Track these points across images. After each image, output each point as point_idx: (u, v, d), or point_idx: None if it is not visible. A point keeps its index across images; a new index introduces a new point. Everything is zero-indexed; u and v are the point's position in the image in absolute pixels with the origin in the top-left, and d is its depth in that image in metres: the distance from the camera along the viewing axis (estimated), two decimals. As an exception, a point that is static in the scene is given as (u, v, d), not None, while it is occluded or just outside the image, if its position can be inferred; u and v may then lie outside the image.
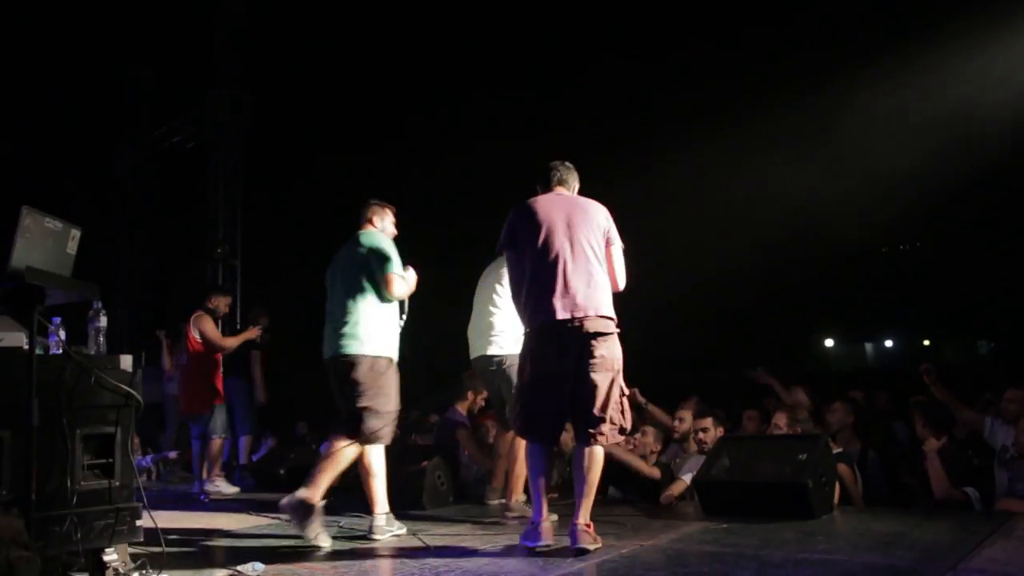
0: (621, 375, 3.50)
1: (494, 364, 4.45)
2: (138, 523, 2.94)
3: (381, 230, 4.16)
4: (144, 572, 3.02)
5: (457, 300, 5.02)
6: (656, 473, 4.97)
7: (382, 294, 3.94)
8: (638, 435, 5.13)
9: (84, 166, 13.05)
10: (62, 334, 2.96)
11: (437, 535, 3.95)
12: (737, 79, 12.61)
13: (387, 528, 3.90)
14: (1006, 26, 8.93)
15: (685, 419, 5.42)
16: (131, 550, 3.07)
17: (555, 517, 4.24)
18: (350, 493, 5.83)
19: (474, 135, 12.76)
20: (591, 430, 3.41)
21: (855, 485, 4.67)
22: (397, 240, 4.18)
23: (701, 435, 5.08)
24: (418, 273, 4.09)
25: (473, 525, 4.27)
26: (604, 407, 3.41)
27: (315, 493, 3.75)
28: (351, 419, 3.85)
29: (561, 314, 3.40)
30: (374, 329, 3.90)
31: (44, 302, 2.88)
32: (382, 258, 3.93)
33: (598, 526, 3.48)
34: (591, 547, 3.29)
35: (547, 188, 3.80)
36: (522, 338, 3.64)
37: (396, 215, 4.28)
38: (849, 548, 3.28)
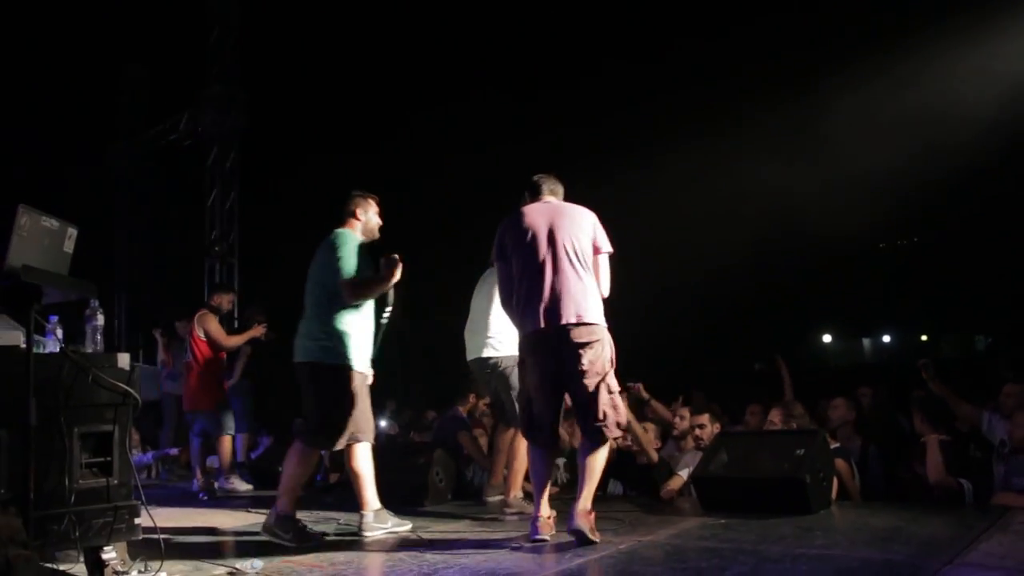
0: (612, 374, 3.57)
1: (489, 366, 4.49)
2: (137, 521, 2.94)
3: (365, 223, 4.09)
4: (143, 570, 3.02)
5: (458, 298, 5.02)
6: (654, 455, 5.00)
7: (342, 300, 3.86)
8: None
9: (80, 164, 13.00)
10: (59, 333, 2.96)
11: (435, 531, 3.96)
12: (735, 76, 12.61)
13: (376, 525, 3.90)
14: (1004, 22, 8.94)
15: (686, 416, 5.45)
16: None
17: (553, 513, 4.26)
18: (348, 490, 5.86)
19: (472, 132, 12.76)
20: (589, 428, 3.53)
21: (852, 480, 4.68)
22: (384, 231, 4.17)
23: (698, 431, 5.10)
24: (408, 265, 3.98)
25: (471, 522, 4.28)
26: (596, 409, 3.50)
27: (288, 504, 3.79)
28: (305, 423, 3.86)
29: (544, 323, 3.49)
30: (331, 336, 3.83)
31: (41, 301, 2.87)
32: (340, 264, 3.82)
33: (596, 522, 3.49)
34: (585, 529, 3.34)
35: (535, 198, 3.86)
36: (517, 342, 3.73)
37: (380, 204, 4.18)
38: (847, 543, 3.28)
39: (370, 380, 4.07)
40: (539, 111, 13.00)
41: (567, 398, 3.68)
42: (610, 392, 3.55)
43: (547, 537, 3.45)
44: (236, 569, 3.19)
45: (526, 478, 4.29)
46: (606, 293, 3.72)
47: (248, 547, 3.79)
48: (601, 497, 5.10)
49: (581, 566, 3.06)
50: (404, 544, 3.66)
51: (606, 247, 3.71)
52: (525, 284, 3.58)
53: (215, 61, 11.56)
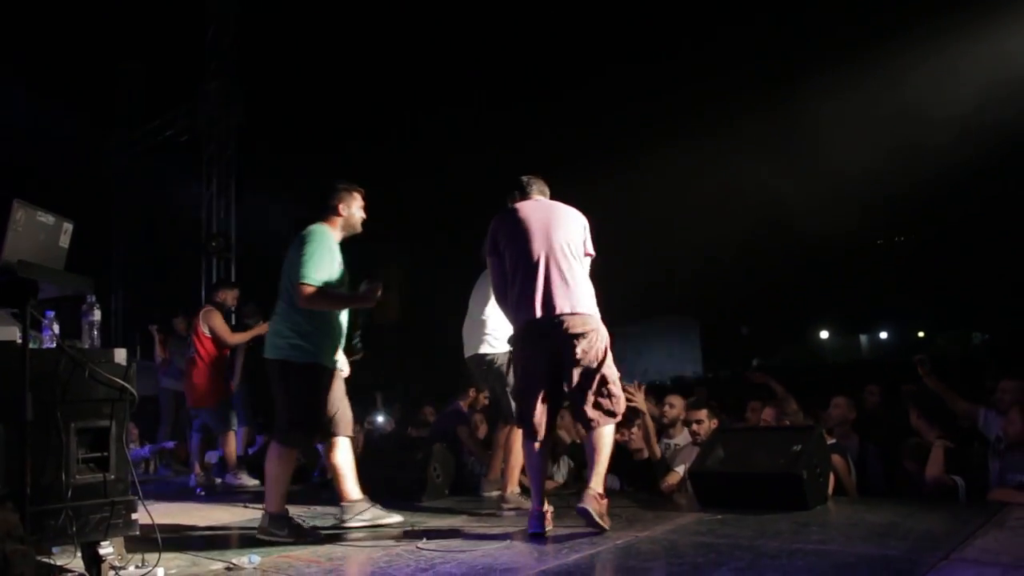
0: (609, 364, 3.62)
1: (485, 363, 4.50)
2: (134, 516, 2.94)
3: (347, 217, 4.00)
4: (140, 565, 3.02)
5: (456, 297, 5.02)
6: (657, 451, 5.00)
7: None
8: (634, 428, 5.14)
9: (77, 160, 12.99)
10: (56, 328, 2.95)
11: (433, 526, 3.96)
12: (732, 74, 12.61)
13: (356, 517, 3.89)
14: (1003, 21, 8.94)
15: (676, 404, 5.45)
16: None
17: (551, 508, 4.27)
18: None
19: (472, 129, 12.76)
20: (586, 418, 3.58)
21: (849, 476, 4.69)
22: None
23: (695, 427, 5.10)
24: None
25: (469, 517, 4.29)
26: (591, 397, 3.56)
27: (277, 503, 3.79)
28: (280, 422, 3.85)
29: (541, 312, 3.55)
30: (300, 333, 3.78)
31: (37, 296, 2.87)
32: (302, 263, 3.73)
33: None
34: (592, 510, 3.42)
35: (524, 197, 3.90)
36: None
37: (365, 197, 4.08)
38: (843, 538, 3.29)
39: (346, 373, 4.06)
40: (538, 109, 13.02)
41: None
42: (607, 382, 3.60)
43: (545, 531, 3.48)
44: (233, 564, 3.19)
45: (523, 473, 4.29)
46: None
47: (246, 542, 3.79)
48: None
49: (578, 561, 3.06)
50: (401, 539, 3.66)
51: (591, 250, 3.80)
52: (520, 277, 3.63)
53: (212, 57, 11.54)
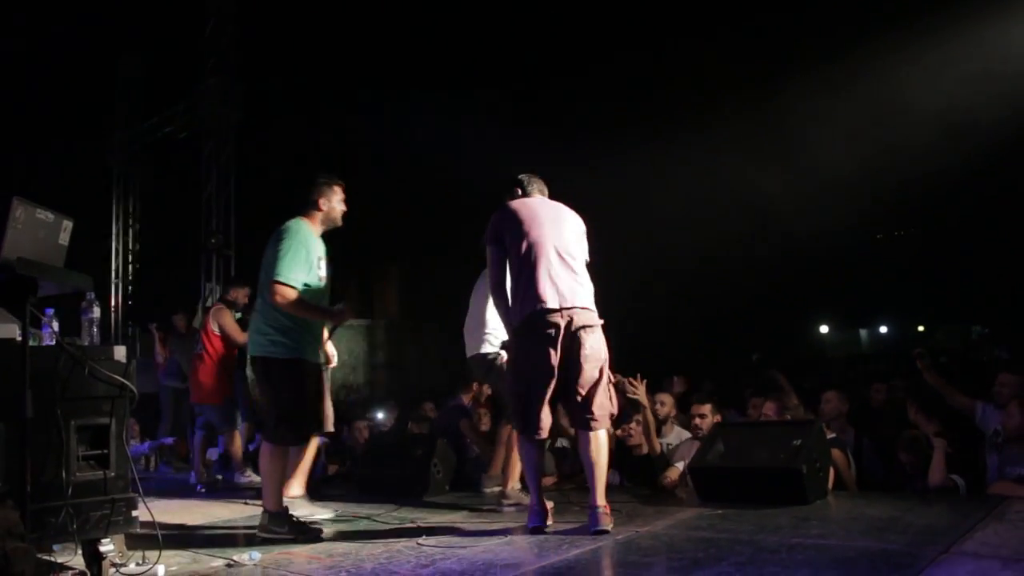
0: (607, 364, 3.64)
1: (487, 362, 4.49)
2: (134, 513, 2.94)
3: (327, 211, 3.98)
4: (140, 562, 3.03)
5: (455, 296, 5.02)
6: (657, 446, 5.01)
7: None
8: (632, 424, 5.14)
9: (76, 157, 12.97)
10: (55, 325, 2.95)
11: (434, 523, 3.96)
12: (734, 68, 12.59)
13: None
14: (1005, 14, 8.92)
15: (666, 403, 5.47)
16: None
17: (550, 504, 4.27)
18: (346, 482, 5.87)
19: (470, 127, 12.73)
20: (586, 416, 3.56)
21: (848, 470, 4.69)
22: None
23: (698, 420, 5.10)
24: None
25: (469, 512, 4.29)
26: (595, 394, 3.56)
27: (275, 501, 3.80)
28: (268, 421, 3.86)
29: (552, 303, 3.53)
30: (280, 330, 3.77)
31: (37, 293, 2.87)
32: (278, 260, 3.71)
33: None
34: (610, 527, 3.43)
35: (525, 195, 3.92)
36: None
37: (345, 191, 4.06)
38: (843, 533, 3.29)
39: (334, 363, 4.09)
40: (538, 107, 12.98)
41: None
42: (609, 380, 3.63)
43: (546, 525, 3.51)
44: (234, 561, 3.20)
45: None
46: None
47: (246, 539, 3.80)
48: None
49: (578, 556, 3.06)
50: (402, 535, 3.67)
51: (587, 256, 3.83)
52: (530, 268, 3.60)
53: (212, 53, 11.51)
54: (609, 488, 4.91)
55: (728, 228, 13.80)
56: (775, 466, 4.03)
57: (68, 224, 3.13)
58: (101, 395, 2.91)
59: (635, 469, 5.16)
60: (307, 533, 3.74)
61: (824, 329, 26.70)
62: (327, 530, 3.88)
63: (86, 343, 3.06)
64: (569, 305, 3.54)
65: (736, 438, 4.44)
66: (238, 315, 6.35)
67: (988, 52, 9.08)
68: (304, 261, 3.79)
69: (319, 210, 3.97)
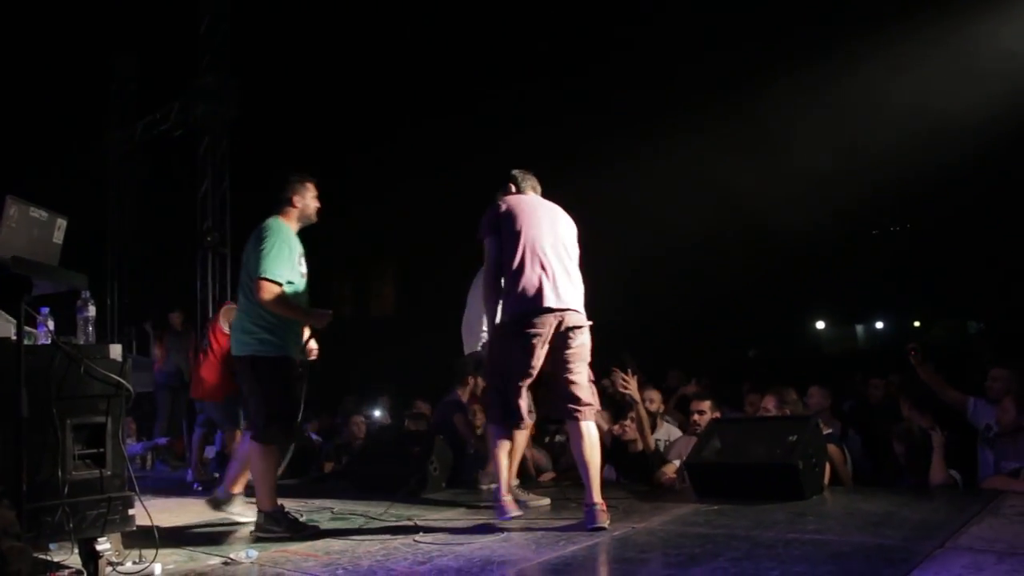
0: (588, 362, 3.75)
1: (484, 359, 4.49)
2: (131, 512, 2.93)
3: (302, 208, 4.01)
4: (137, 561, 3.03)
5: (452, 294, 5.02)
6: (651, 443, 5.03)
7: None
8: (627, 420, 5.15)
9: (70, 155, 12.92)
10: (51, 324, 2.94)
11: (430, 519, 3.97)
12: (728, 61, 12.58)
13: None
14: (1000, 7, 8.93)
15: (654, 400, 5.49)
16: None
17: (547, 501, 4.28)
18: (343, 480, 5.87)
19: (469, 126, 12.72)
20: (569, 406, 3.63)
21: (844, 466, 4.71)
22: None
23: (697, 416, 5.11)
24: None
25: (466, 509, 4.30)
26: (579, 388, 3.64)
27: (268, 500, 3.81)
28: (256, 421, 3.85)
29: (547, 303, 3.58)
30: (266, 328, 3.79)
31: (31, 292, 2.86)
32: (262, 258, 3.74)
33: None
34: (606, 524, 3.44)
35: (520, 192, 3.96)
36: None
37: (318, 187, 4.10)
38: (839, 528, 3.31)
39: (314, 356, 4.11)
40: (536, 105, 12.95)
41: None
42: (591, 377, 3.74)
43: (515, 514, 3.59)
44: (231, 559, 3.20)
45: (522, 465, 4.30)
46: None
47: (243, 537, 3.80)
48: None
49: (575, 552, 3.07)
50: (399, 532, 3.67)
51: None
52: (524, 266, 3.63)
53: (207, 50, 11.48)
54: (605, 484, 4.92)
55: (723, 225, 13.80)
56: (771, 462, 4.04)
57: (62, 222, 3.12)
58: (97, 394, 2.90)
59: (631, 465, 5.18)
60: (303, 530, 3.74)
61: (820, 325, 26.73)
62: (324, 526, 3.88)
63: (82, 342, 3.05)
64: (564, 307, 3.60)
65: (732, 434, 4.45)
66: None
67: (982, 48, 9.09)
68: (288, 259, 3.82)
69: (294, 207, 4.01)
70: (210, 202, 11.55)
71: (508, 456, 3.73)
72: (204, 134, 11.65)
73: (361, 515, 4.22)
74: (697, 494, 4.20)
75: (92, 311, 3.16)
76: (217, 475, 6.36)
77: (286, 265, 3.79)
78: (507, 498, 3.65)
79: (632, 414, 5.06)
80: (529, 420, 3.74)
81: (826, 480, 4.27)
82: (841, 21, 11.46)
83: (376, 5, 12.67)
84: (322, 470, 6.66)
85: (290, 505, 3.97)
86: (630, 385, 4.87)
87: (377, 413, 8.43)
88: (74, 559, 2.94)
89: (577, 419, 3.61)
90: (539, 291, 3.58)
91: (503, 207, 3.78)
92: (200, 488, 5.95)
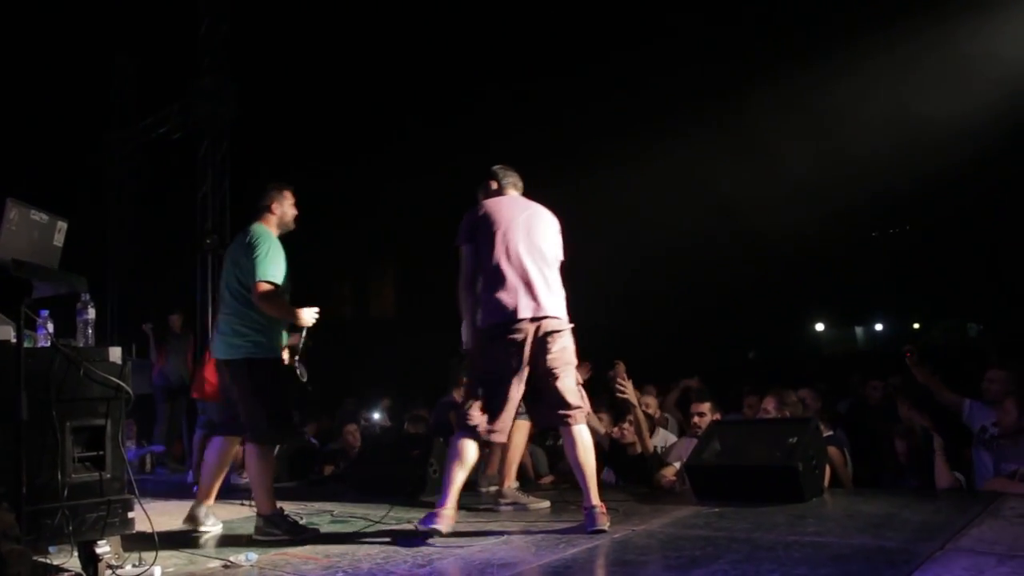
0: (574, 366, 3.69)
1: None
2: (130, 515, 2.93)
3: (280, 216, 4.07)
4: (137, 564, 3.02)
5: (453, 297, 5.01)
6: (649, 446, 5.02)
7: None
8: (625, 424, 5.15)
9: (70, 158, 12.92)
10: (50, 327, 2.94)
11: (430, 523, 3.95)
12: (726, 61, 12.59)
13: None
14: (1001, 10, 8.94)
15: (650, 404, 5.49)
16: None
17: (547, 503, 4.28)
18: (342, 482, 5.87)
19: (469, 124, 12.72)
20: (560, 412, 3.59)
21: (845, 468, 4.71)
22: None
23: (697, 419, 5.11)
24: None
25: (466, 512, 4.28)
26: (567, 393, 3.59)
27: (268, 504, 3.82)
28: (253, 423, 3.84)
29: (523, 313, 3.53)
30: (259, 330, 3.83)
31: (31, 294, 2.86)
32: (258, 263, 3.79)
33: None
34: (607, 527, 3.42)
35: (500, 191, 3.90)
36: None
37: (295, 195, 4.16)
38: (839, 530, 3.30)
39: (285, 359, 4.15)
40: (536, 104, 12.94)
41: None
42: (577, 381, 3.67)
43: (443, 529, 3.42)
44: (230, 562, 3.20)
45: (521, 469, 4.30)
46: None
47: (242, 540, 3.79)
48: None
49: (575, 555, 3.07)
50: (400, 535, 3.66)
51: (561, 256, 3.85)
52: (501, 274, 3.59)
53: (206, 52, 11.48)
54: (605, 487, 4.92)
55: (723, 227, 13.80)
56: (771, 464, 4.04)
57: (62, 225, 3.12)
58: (97, 396, 2.90)
59: (629, 468, 5.18)
60: (303, 533, 3.74)
61: (820, 327, 26.73)
62: (323, 529, 3.88)
63: (81, 344, 3.05)
64: (541, 315, 3.55)
65: (732, 436, 4.45)
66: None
67: (982, 50, 9.09)
68: (281, 262, 3.88)
69: (272, 214, 4.08)
70: (210, 204, 11.53)
71: (467, 470, 3.59)
72: (204, 136, 11.64)
73: (361, 518, 4.22)
74: (697, 496, 4.19)
75: (92, 314, 3.16)
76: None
77: (280, 268, 3.86)
78: (446, 512, 3.47)
79: (630, 417, 5.06)
80: (499, 437, 3.62)
81: (826, 482, 4.27)
82: (841, 24, 11.47)
83: (375, 7, 12.68)
84: (321, 473, 6.65)
85: (289, 508, 3.97)
86: (627, 388, 4.87)
87: (376, 415, 8.43)
88: (73, 562, 2.94)
89: (569, 424, 3.56)
90: (515, 299, 3.54)
91: (479, 212, 3.74)
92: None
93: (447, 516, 3.47)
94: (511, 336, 3.53)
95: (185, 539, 3.83)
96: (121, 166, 13.67)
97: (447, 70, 13.32)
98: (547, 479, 5.58)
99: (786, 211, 12.74)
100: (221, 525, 4.13)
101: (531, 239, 3.67)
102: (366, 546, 3.46)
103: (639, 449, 5.08)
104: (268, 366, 3.84)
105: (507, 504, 4.31)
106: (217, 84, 11.43)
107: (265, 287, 3.77)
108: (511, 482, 4.47)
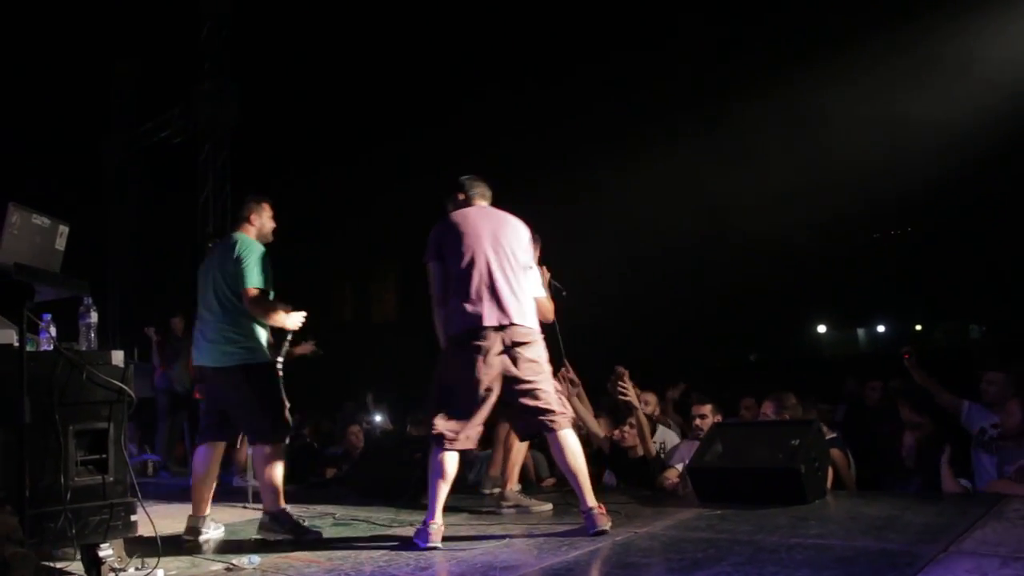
0: (550, 373, 3.67)
1: None
2: (133, 518, 2.94)
3: (259, 227, 4.14)
4: (140, 567, 3.02)
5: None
6: (652, 448, 5.02)
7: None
8: (626, 426, 5.15)
9: (72, 162, 12.95)
10: (53, 330, 2.95)
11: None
12: (729, 63, 12.60)
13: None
14: (1002, 11, 8.94)
15: (650, 403, 5.48)
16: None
17: (549, 506, 4.28)
18: (344, 485, 5.87)
19: (469, 124, 12.72)
20: (542, 419, 3.54)
21: (848, 470, 4.70)
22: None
23: (699, 421, 5.10)
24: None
25: (469, 515, 4.29)
26: (544, 398, 3.55)
27: (276, 502, 3.85)
28: (258, 426, 3.89)
29: (488, 321, 3.51)
30: (250, 336, 3.91)
31: (34, 298, 2.87)
32: (246, 271, 3.87)
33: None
34: (607, 527, 3.41)
35: (468, 202, 3.88)
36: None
37: (273, 208, 4.25)
38: (842, 532, 3.30)
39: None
40: (537, 104, 12.95)
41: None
42: (556, 389, 3.65)
43: (438, 544, 3.38)
44: (233, 565, 3.19)
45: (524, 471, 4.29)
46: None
47: (245, 543, 3.80)
48: (597, 489, 5.11)
49: (578, 558, 3.06)
50: (402, 538, 3.66)
51: (532, 263, 3.88)
52: (468, 283, 3.57)
53: (207, 57, 11.50)
54: (606, 490, 4.92)
55: (724, 228, 13.80)
56: (774, 466, 4.03)
57: (64, 229, 3.13)
58: (99, 400, 2.91)
59: (631, 471, 5.16)
60: (307, 534, 3.77)
61: (822, 329, 26.70)
62: (326, 532, 3.88)
63: (84, 348, 3.06)
64: (508, 323, 3.52)
65: (735, 438, 4.44)
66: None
67: (984, 52, 9.10)
68: (266, 268, 3.94)
69: (252, 225, 4.15)
70: (211, 208, 11.56)
71: (448, 482, 3.55)
72: (205, 140, 11.67)
73: (363, 521, 4.22)
74: (699, 498, 4.19)
75: (94, 317, 3.17)
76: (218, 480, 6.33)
77: (266, 274, 3.93)
78: (435, 526, 3.42)
79: (632, 419, 5.05)
80: (468, 444, 3.59)
81: (829, 484, 4.26)
82: (843, 25, 11.48)
83: (376, 11, 12.69)
84: (323, 476, 6.65)
85: (292, 510, 3.97)
86: (629, 391, 4.86)
87: (378, 418, 8.43)
88: (77, 565, 2.94)
89: (554, 429, 3.52)
90: (480, 308, 3.52)
91: (442, 229, 3.73)
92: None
93: (437, 530, 3.44)
94: (476, 343, 3.50)
95: (188, 542, 3.84)
96: (122, 170, 13.70)
97: (447, 73, 13.34)
98: (549, 481, 5.58)
99: (788, 213, 12.74)
100: (223, 528, 4.13)
101: (498, 248, 3.65)
102: (368, 549, 3.46)
103: (640, 452, 5.07)
104: (264, 370, 3.93)
105: (509, 507, 4.31)
106: (218, 88, 11.46)
107: (254, 292, 3.86)
108: (513, 485, 4.47)
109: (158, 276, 12.85)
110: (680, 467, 4.79)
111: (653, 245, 12.82)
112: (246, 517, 4.60)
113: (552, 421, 3.53)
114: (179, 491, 6.19)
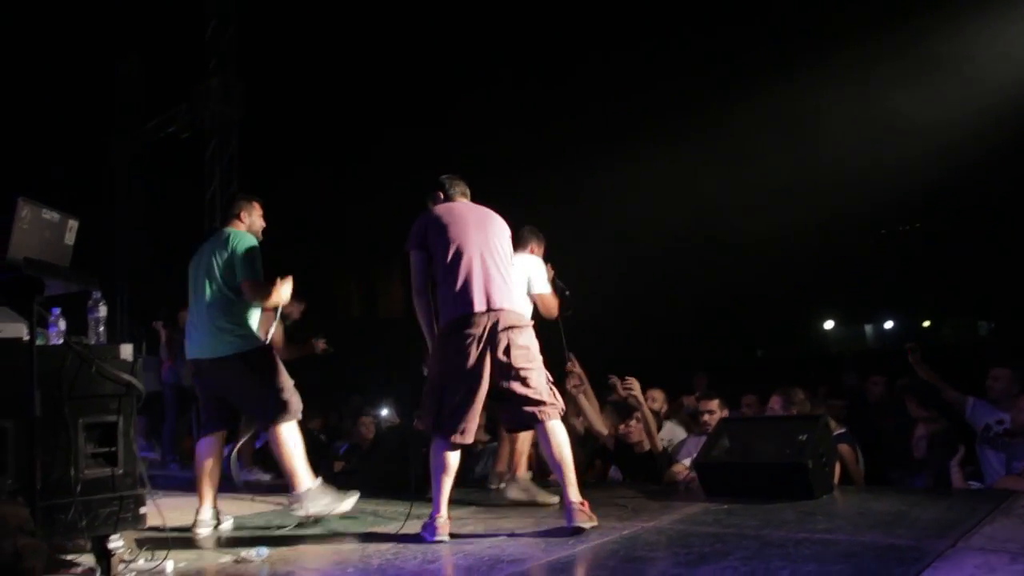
0: (541, 362, 3.62)
1: None
2: (142, 510, 2.95)
3: (249, 226, 4.23)
4: (149, 559, 3.04)
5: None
6: (658, 444, 5.02)
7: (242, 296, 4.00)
8: (632, 422, 5.15)
9: (79, 158, 13.00)
10: (62, 325, 2.96)
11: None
12: (735, 60, 12.55)
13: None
14: (1009, 10, 8.89)
15: (657, 399, 5.48)
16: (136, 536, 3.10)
17: (556, 499, 4.29)
18: (352, 476, 5.88)
19: (469, 122, 12.72)
20: (529, 409, 3.50)
21: (856, 465, 4.70)
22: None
23: (706, 417, 5.10)
24: (296, 284, 4.14)
25: (476, 508, 4.30)
26: (539, 390, 3.51)
27: (303, 480, 3.88)
28: (266, 409, 3.92)
29: (479, 306, 3.50)
30: (244, 324, 4.00)
31: (43, 293, 2.88)
32: (243, 263, 3.96)
33: (599, 508, 3.52)
34: (586, 524, 3.36)
35: (448, 200, 3.88)
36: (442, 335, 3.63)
37: (264, 207, 4.37)
38: (850, 527, 3.29)
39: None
40: (537, 102, 12.93)
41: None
42: (548, 380, 3.60)
43: (446, 538, 3.39)
44: (242, 557, 3.21)
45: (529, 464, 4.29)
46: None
47: (254, 535, 3.82)
48: (602, 484, 5.13)
49: (584, 551, 3.07)
50: (409, 532, 3.67)
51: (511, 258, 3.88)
52: (457, 272, 3.56)
53: (213, 53, 11.52)
54: (613, 485, 4.93)
55: (731, 224, 13.76)
56: (781, 461, 4.03)
57: (74, 224, 3.14)
58: (108, 393, 2.92)
59: (637, 467, 5.17)
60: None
61: (829, 325, 26.61)
62: (334, 525, 3.90)
63: (93, 342, 3.07)
64: (497, 307, 3.51)
65: (742, 433, 4.45)
66: (288, 323, 6.40)
67: (993, 48, 9.05)
68: (259, 258, 4.03)
69: (242, 222, 4.25)
70: (218, 203, 11.59)
71: (451, 475, 3.54)
72: (211, 136, 11.70)
73: (371, 514, 4.24)
74: (706, 493, 4.19)
75: (103, 311, 3.18)
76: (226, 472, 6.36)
77: (260, 264, 4.01)
78: (442, 520, 3.44)
79: (637, 415, 5.05)
80: (467, 438, 3.54)
81: (836, 479, 4.26)
82: (851, 22, 11.42)
83: (383, 6, 12.69)
84: (332, 469, 6.67)
85: (284, 500, 3.99)
86: (634, 388, 4.86)
87: (385, 412, 8.45)
88: (87, 557, 2.96)
89: (541, 420, 3.49)
90: (470, 295, 3.50)
91: (427, 220, 3.74)
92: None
93: (444, 523, 3.44)
94: (468, 330, 3.47)
95: (196, 534, 3.86)
96: (130, 165, 13.75)
97: (451, 71, 13.33)
98: (552, 477, 5.58)
99: (795, 209, 12.70)
100: (231, 520, 4.15)
101: (485, 238, 3.66)
102: (376, 542, 3.48)
103: (646, 447, 5.08)
104: (262, 355, 3.99)
105: (518, 491, 4.33)
106: (224, 84, 11.48)
107: (257, 284, 3.95)
108: (523, 471, 4.49)
109: (165, 270, 12.90)
110: (687, 462, 4.79)
111: (658, 244, 12.80)
112: (255, 509, 4.63)
113: (541, 411, 3.49)
114: (188, 483, 6.22)
